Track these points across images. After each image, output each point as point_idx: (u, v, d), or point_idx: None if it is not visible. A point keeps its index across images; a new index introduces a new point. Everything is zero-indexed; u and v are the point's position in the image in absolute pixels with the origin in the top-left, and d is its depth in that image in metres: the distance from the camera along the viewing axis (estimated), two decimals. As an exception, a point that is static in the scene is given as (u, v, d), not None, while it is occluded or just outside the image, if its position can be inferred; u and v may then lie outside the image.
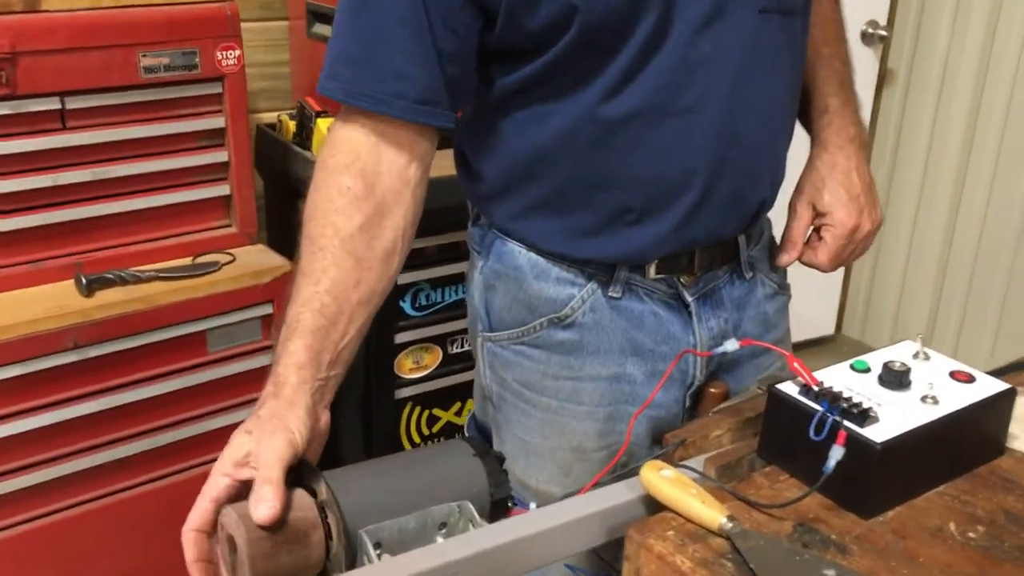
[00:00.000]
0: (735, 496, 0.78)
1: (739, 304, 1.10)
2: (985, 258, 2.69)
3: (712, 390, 1.05)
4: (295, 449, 0.79)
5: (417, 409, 1.81)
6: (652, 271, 1.04)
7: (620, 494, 0.82)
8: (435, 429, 1.84)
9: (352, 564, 0.76)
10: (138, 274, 1.48)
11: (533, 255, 1.05)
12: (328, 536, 0.75)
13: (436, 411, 1.84)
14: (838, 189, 1.08)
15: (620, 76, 0.93)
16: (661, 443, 1.15)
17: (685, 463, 0.83)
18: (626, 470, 0.91)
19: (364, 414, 1.77)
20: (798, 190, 1.13)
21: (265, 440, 0.78)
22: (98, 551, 1.55)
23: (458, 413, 1.87)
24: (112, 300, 1.44)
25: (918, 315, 2.88)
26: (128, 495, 1.56)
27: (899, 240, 2.90)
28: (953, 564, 0.71)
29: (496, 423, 1.18)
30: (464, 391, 1.85)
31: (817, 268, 1.10)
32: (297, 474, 0.80)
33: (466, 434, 1.28)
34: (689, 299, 1.06)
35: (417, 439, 1.82)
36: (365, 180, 0.91)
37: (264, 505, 0.72)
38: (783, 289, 1.16)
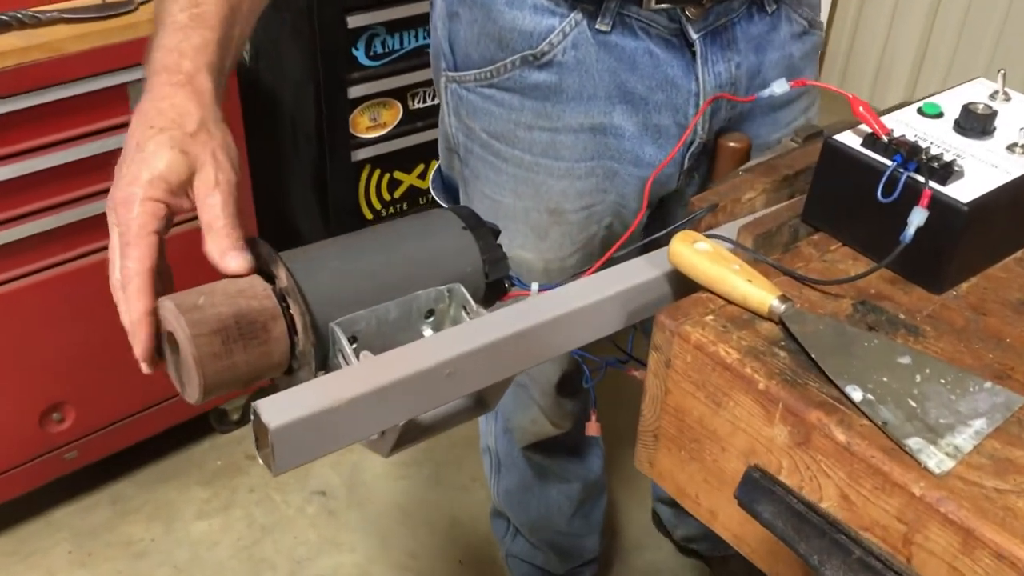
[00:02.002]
0: (781, 271, 0.65)
1: (759, 45, 0.93)
2: (977, 9, 2.49)
3: (732, 144, 0.90)
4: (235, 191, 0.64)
5: (376, 172, 1.64)
6: (652, 0, 0.85)
7: (641, 272, 0.68)
8: (397, 194, 1.69)
9: (324, 364, 0.62)
10: (37, 15, 1.24)
11: None
12: (292, 330, 0.61)
13: (397, 174, 1.67)
14: None
15: None
16: (653, 205, 1.02)
17: (715, 232, 0.70)
18: (635, 246, 0.78)
19: (317, 179, 1.60)
20: None
21: (217, 174, 0.63)
22: (25, 332, 1.42)
23: (421, 176, 1.71)
24: (10, 47, 1.22)
25: (901, 66, 2.72)
26: (51, 273, 1.40)
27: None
28: (1046, 345, 0.60)
29: (464, 179, 1.04)
30: (428, 151, 1.68)
31: None
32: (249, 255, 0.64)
33: (431, 188, 1.13)
34: (694, 36, 0.88)
35: (378, 205, 1.66)
36: None
37: (235, 253, 0.61)
38: (813, 27, 0.97)
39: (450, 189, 1.11)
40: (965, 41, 2.56)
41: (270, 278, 0.62)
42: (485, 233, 0.69)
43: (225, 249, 0.62)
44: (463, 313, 0.66)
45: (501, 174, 0.98)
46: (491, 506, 1.48)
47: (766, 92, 0.70)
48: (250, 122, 1.50)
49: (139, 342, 0.59)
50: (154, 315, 0.60)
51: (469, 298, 0.65)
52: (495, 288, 0.69)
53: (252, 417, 0.54)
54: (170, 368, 0.62)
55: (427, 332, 0.66)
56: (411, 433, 0.62)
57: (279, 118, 1.63)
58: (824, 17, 2.79)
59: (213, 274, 0.63)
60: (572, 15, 0.87)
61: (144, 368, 0.61)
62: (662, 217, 1.05)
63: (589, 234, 1.00)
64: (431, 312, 0.66)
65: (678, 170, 0.97)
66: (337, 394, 0.55)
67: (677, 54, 0.90)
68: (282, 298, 0.61)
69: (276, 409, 0.53)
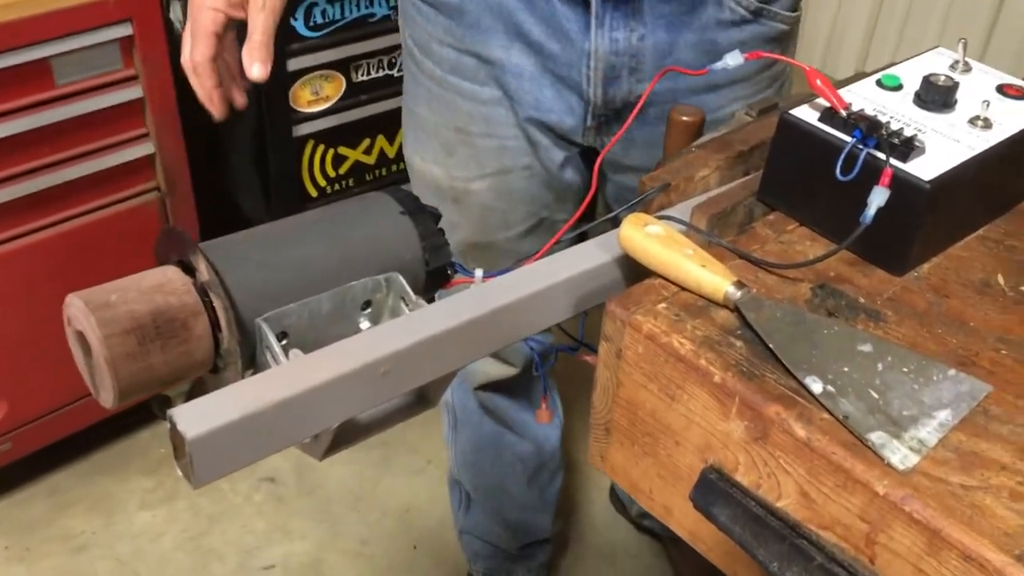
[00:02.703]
0: (736, 254, 0.62)
1: (671, 23, 0.89)
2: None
3: (684, 118, 0.86)
4: (280, 15, 0.81)
5: (320, 148, 1.58)
6: None
7: (590, 256, 0.65)
8: (342, 170, 1.63)
9: (252, 362, 0.58)
10: (-51, -14, 1.17)
11: None
12: (215, 327, 0.56)
13: (342, 150, 1.61)
14: None
15: None
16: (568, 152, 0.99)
17: (667, 213, 0.66)
18: (585, 227, 0.74)
19: (258, 156, 1.53)
20: None
21: None
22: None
23: (367, 151, 1.65)
24: (-81, 19, 1.14)
25: (853, 36, 2.70)
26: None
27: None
28: (1010, 328, 0.57)
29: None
30: (374, 125, 1.62)
31: None
32: (164, 248, 0.60)
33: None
34: None
35: (322, 182, 1.60)
36: None
37: (258, 64, 0.80)
38: (765, 16, 0.92)
39: None
40: (916, 9, 2.55)
41: (192, 271, 0.57)
42: (425, 218, 0.65)
43: (254, 58, 0.79)
44: (402, 304, 0.62)
45: (419, 85, 1.00)
46: (448, 474, 1.44)
47: (719, 65, 0.66)
48: (184, 96, 1.43)
49: (216, 108, 0.84)
50: (221, 88, 0.84)
51: (408, 288, 0.61)
52: (436, 276, 0.66)
53: (169, 425, 0.50)
54: (83, 370, 0.58)
55: (364, 325, 0.62)
56: (346, 434, 0.58)
57: (215, 92, 1.55)
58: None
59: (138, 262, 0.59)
60: None
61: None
62: (600, 182, 1.03)
63: (502, 167, 1.00)
64: (368, 303, 0.62)
65: (581, 124, 0.95)
66: (262, 397, 0.50)
67: (577, 9, 0.88)
68: (204, 293, 0.56)
69: (194, 416, 0.49)
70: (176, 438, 0.49)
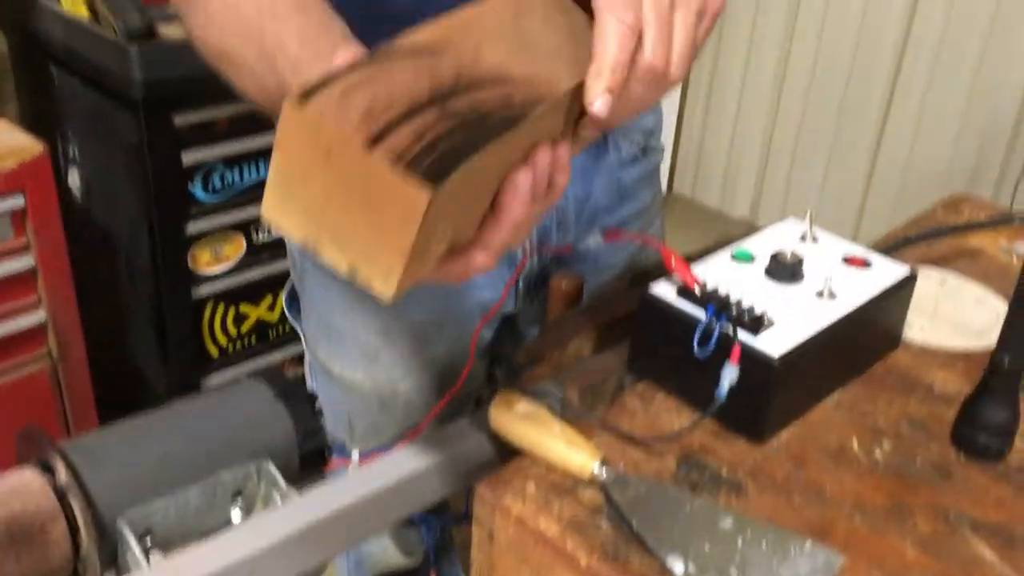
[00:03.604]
0: (606, 428, 0.64)
1: (585, 172, 0.93)
2: (813, 111, 2.67)
3: (563, 286, 0.89)
4: None
5: (221, 307, 1.57)
6: None
7: (466, 435, 0.66)
8: (244, 328, 1.62)
9: (112, 564, 0.56)
10: None
11: None
12: (74, 530, 0.55)
13: (244, 308, 1.61)
14: None
15: None
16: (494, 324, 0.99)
17: (540, 387, 0.68)
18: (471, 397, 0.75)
19: (156, 318, 1.52)
20: None
21: None
22: None
23: (271, 308, 1.65)
24: None
25: (747, 173, 2.86)
26: None
27: (729, 91, 2.83)
28: (863, 493, 0.60)
29: (302, 298, 1.01)
30: (276, 282, 1.63)
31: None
32: (24, 447, 0.58)
33: (284, 306, 1.08)
34: None
35: (224, 341, 1.59)
36: None
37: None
38: (649, 152, 0.99)
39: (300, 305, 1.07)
40: (802, 148, 2.72)
41: (47, 470, 0.56)
42: (299, 401, 0.65)
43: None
44: (274, 492, 0.61)
45: (330, 292, 0.96)
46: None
47: (582, 246, 0.70)
48: (81, 261, 1.42)
49: None
50: None
51: (278, 477, 0.61)
52: (312, 460, 0.65)
53: (12, 647, 0.47)
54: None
55: (237, 515, 0.61)
56: (212, 637, 0.56)
57: (113, 257, 1.55)
58: (672, 127, 2.91)
59: None
60: None
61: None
62: (510, 333, 1.03)
63: (426, 358, 0.98)
64: (239, 492, 0.61)
65: (513, 293, 0.96)
66: (114, 611, 0.49)
67: None
68: (60, 494, 0.55)
69: (40, 636, 0.47)
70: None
